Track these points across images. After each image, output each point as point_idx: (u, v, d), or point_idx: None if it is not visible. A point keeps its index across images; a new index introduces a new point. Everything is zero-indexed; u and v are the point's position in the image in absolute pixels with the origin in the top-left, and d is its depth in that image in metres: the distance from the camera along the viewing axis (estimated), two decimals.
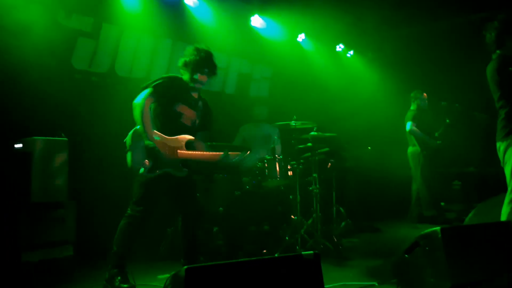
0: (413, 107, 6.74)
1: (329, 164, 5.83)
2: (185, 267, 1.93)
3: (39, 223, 3.83)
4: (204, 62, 3.70)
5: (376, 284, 3.52)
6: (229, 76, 6.99)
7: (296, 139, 5.23)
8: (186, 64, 3.66)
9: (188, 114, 3.67)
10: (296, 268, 2.21)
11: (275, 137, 5.74)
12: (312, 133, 4.94)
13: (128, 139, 3.44)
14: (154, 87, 3.50)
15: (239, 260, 2.12)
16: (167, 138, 3.48)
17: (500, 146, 3.77)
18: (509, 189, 3.69)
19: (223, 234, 4.75)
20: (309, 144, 4.99)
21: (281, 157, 5.11)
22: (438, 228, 2.94)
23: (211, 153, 3.57)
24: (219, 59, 6.65)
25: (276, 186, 5.11)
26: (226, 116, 6.24)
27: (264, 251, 4.57)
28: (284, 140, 5.92)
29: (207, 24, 6.11)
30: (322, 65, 7.89)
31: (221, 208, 4.84)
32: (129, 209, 3.53)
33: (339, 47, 8.31)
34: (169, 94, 3.56)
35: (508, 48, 3.79)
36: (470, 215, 5.43)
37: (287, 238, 4.67)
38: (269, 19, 6.85)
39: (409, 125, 6.52)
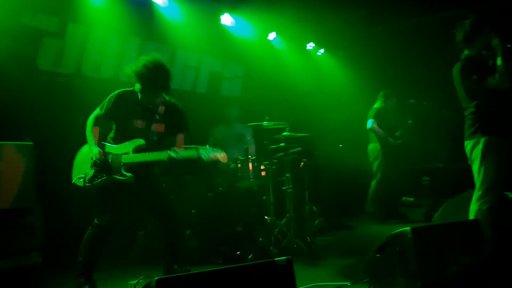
0: (377, 105, 6.74)
1: (302, 163, 5.86)
2: (156, 278, 1.90)
3: (6, 230, 3.71)
4: (154, 79, 3.52)
5: (349, 284, 3.56)
6: (200, 75, 6.92)
7: (269, 140, 5.22)
8: (136, 75, 3.51)
9: (139, 125, 3.62)
10: (269, 274, 2.20)
11: (248, 138, 5.72)
12: (285, 133, 4.95)
13: None
14: (102, 109, 3.59)
15: (211, 269, 2.10)
16: (112, 146, 3.56)
17: (467, 144, 3.85)
18: (476, 186, 3.78)
19: (196, 236, 4.72)
20: (282, 144, 5.00)
21: (254, 157, 5.11)
22: (408, 228, 2.99)
23: (155, 153, 3.52)
24: (190, 58, 6.66)
25: (249, 186, 5.10)
26: (198, 116, 6.17)
27: (238, 252, 4.55)
28: (257, 140, 5.92)
29: (177, 23, 6.02)
30: (294, 63, 7.90)
31: (193, 211, 4.80)
32: (95, 219, 3.52)
33: (310, 46, 8.34)
34: (119, 113, 3.57)
35: (476, 48, 3.83)
36: (439, 211, 5.56)
37: (260, 239, 4.67)
38: (239, 17, 6.81)
39: (370, 123, 6.52)
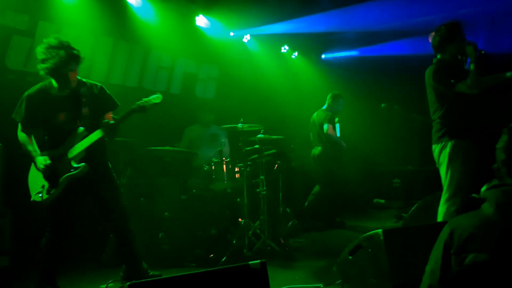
0: (327, 107, 6.50)
1: (276, 165, 5.88)
2: (127, 283, 1.87)
3: None
4: (67, 59, 3.29)
5: (322, 286, 3.59)
6: (174, 76, 6.88)
7: (244, 142, 5.22)
8: (46, 67, 3.27)
9: (65, 117, 3.43)
10: (243, 278, 2.20)
11: (223, 140, 5.71)
12: (259, 135, 4.96)
13: None
14: (20, 121, 3.42)
15: (184, 273, 2.08)
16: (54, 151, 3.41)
17: (435, 148, 3.94)
18: (444, 188, 3.87)
19: (169, 239, 4.67)
20: (256, 146, 5.01)
21: (228, 159, 5.10)
22: (380, 230, 3.03)
23: (94, 133, 3.39)
24: (164, 59, 6.60)
25: (223, 189, 5.09)
26: (171, 117, 6.14)
27: (211, 255, 4.53)
28: (232, 142, 5.91)
29: (151, 23, 5.96)
30: (268, 66, 7.93)
31: (166, 213, 4.76)
32: (50, 225, 3.48)
33: (284, 49, 8.38)
34: (37, 113, 3.39)
35: (448, 54, 3.91)
36: (409, 213, 5.67)
37: (234, 241, 4.66)
38: (214, 19, 6.79)
39: (326, 127, 6.25)
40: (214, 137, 5.81)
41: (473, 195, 4.28)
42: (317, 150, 6.45)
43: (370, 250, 3.08)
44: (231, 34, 7.28)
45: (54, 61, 3.22)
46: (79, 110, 3.41)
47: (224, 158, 5.04)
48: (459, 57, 3.91)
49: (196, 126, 5.90)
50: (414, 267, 3.03)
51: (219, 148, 5.07)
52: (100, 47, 5.72)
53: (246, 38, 7.50)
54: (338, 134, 6.52)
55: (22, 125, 3.44)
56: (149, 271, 3.79)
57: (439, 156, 3.90)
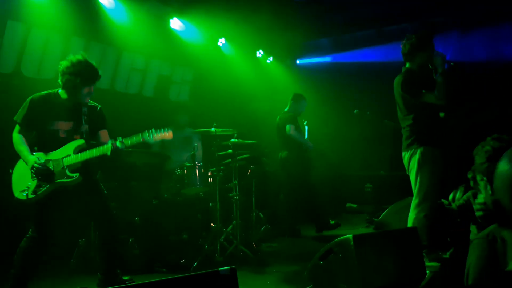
0: (289, 108, 6.39)
1: (249, 170, 5.87)
2: None
3: None
4: (82, 83, 3.49)
5: None
6: (148, 78, 6.79)
7: (217, 146, 5.19)
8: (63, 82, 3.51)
9: (63, 127, 3.51)
10: (213, 285, 2.17)
11: (196, 144, 5.66)
12: (233, 139, 4.94)
13: None
14: (19, 122, 3.46)
15: (154, 279, 2.04)
16: (51, 153, 3.45)
17: (405, 155, 4.02)
18: (414, 194, 3.94)
19: (140, 244, 4.59)
20: (230, 150, 4.99)
21: (201, 163, 5.06)
22: (350, 235, 3.05)
23: (98, 148, 3.46)
24: (137, 61, 6.52)
25: (196, 193, 5.04)
26: (144, 119, 6.04)
27: (183, 260, 4.48)
28: (205, 146, 5.87)
29: (124, 24, 5.88)
30: (243, 70, 7.92)
31: (137, 218, 4.68)
32: (30, 230, 3.40)
33: (259, 53, 8.40)
34: (38, 117, 3.45)
35: (417, 63, 3.99)
36: (380, 217, 5.74)
37: (206, 246, 4.62)
38: (188, 22, 6.75)
39: (288, 128, 6.11)
40: (187, 140, 5.77)
41: (442, 200, 4.40)
42: (283, 154, 6.31)
43: (340, 255, 3.10)
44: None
45: (69, 84, 3.45)
46: (80, 125, 3.54)
47: (197, 162, 5.00)
48: (429, 66, 4.00)
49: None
50: (384, 272, 3.08)
51: (192, 152, 5.03)
52: (71, 48, 5.59)
53: (221, 41, 7.47)
54: (306, 137, 6.48)
55: (20, 126, 3.48)
56: (120, 276, 3.74)
57: (409, 162, 3.98)
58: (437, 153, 3.87)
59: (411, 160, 3.93)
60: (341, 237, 3.10)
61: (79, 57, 3.47)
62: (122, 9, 5.82)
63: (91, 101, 3.72)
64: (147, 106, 6.53)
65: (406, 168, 4.01)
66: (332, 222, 6.18)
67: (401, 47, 4.10)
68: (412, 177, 3.93)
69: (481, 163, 1.93)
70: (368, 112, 6.22)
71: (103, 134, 3.68)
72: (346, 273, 3.03)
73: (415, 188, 3.90)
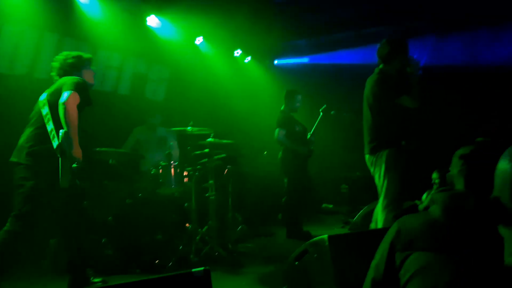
0: (284, 107, 6.10)
1: (226, 170, 5.83)
2: None
3: None
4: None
5: None
6: (123, 76, 6.69)
7: (193, 145, 5.14)
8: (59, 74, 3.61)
9: None
10: (186, 286, 2.13)
11: (171, 143, 5.59)
12: (209, 139, 4.89)
13: None
14: (75, 89, 3.35)
15: (126, 281, 1.99)
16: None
17: (370, 157, 4.07)
18: (381, 196, 4.01)
19: (113, 244, 4.51)
20: (206, 150, 4.94)
21: (177, 163, 5.00)
22: (325, 236, 3.05)
23: None
24: (112, 58, 6.40)
25: (171, 193, 4.98)
26: (119, 118, 5.96)
27: (157, 261, 4.41)
28: (181, 145, 5.81)
29: (99, 21, 5.77)
30: (221, 69, 7.88)
31: (110, 217, 4.59)
32: (8, 223, 3.26)
33: (237, 53, 8.37)
34: (85, 97, 3.44)
35: (392, 66, 4.04)
36: (355, 218, 5.80)
37: (181, 247, 4.56)
38: (165, 20, 6.67)
39: (276, 132, 5.88)
40: (163, 140, 5.69)
41: (416, 201, 4.46)
42: (279, 154, 6.12)
43: (315, 255, 3.10)
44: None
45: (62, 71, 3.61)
46: None
47: (172, 162, 4.94)
48: (407, 70, 4.04)
49: (144, 128, 5.75)
50: (360, 272, 3.08)
51: (168, 151, 4.96)
52: (44, 44, 5.47)
53: (199, 40, 7.41)
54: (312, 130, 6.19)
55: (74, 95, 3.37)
56: (92, 278, 3.66)
57: (374, 165, 4.04)
58: (402, 154, 3.94)
59: (377, 163, 3.99)
60: (317, 237, 3.09)
61: (69, 57, 3.65)
62: (97, 4, 5.71)
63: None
64: (123, 104, 6.42)
65: (371, 170, 4.08)
66: (304, 230, 6.06)
67: (377, 49, 4.15)
68: (379, 179, 4.00)
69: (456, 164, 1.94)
70: (344, 113, 6.26)
71: None
72: (321, 274, 3.03)
73: (382, 190, 3.96)
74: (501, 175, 1.07)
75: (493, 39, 6.73)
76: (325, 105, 6.11)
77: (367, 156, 4.11)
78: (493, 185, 1.20)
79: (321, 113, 6.17)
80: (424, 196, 5.02)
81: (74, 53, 3.71)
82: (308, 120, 6.45)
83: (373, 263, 1.84)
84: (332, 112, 6.18)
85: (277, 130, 5.89)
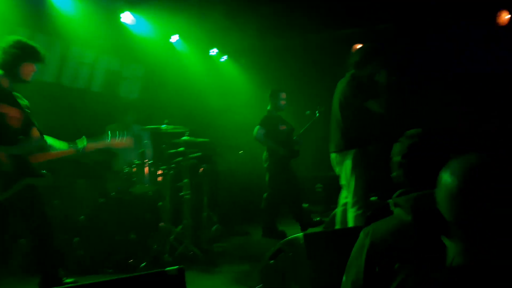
0: (270, 107, 6.08)
1: (201, 168, 5.79)
2: None
3: None
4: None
5: None
6: (96, 73, 6.55)
7: (168, 143, 5.08)
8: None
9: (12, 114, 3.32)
10: (160, 285, 2.09)
11: (146, 141, 5.51)
12: (184, 137, 4.85)
13: None
14: None
15: (98, 280, 1.95)
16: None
17: (336, 156, 4.25)
18: (350, 195, 4.16)
19: (85, 244, 4.42)
20: (181, 148, 4.89)
21: (151, 161, 4.93)
22: (301, 234, 3.05)
23: (66, 150, 3.30)
24: (85, 55, 6.27)
25: (145, 192, 4.91)
26: (92, 116, 5.84)
27: (130, 261, 4.34)
28: (155, 144, 5.73)
29: (72, 16, 5.64)
30: (196, 68, 7.82)
31: (82, 217, 4.50)
32: None
33: (213, 52, 8.32)
34: None
35: (363, 72, 4.20)
36: (329, 217, 5.83)
37: (155, 246, 4.50)
38: (141, 17, 6.57)
39: (255, 130, 5.89)
40: (136, 138, 5.58)
41: (389, 201, 4.58)
42: (263, 155, 6.10)
43: (291, 254, 3.09)
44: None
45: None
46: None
47: (146, 160, 4.87)
48: (376, 77, 4.21)
49: (117, 125, 5.64)
50: (335, 270, 3.09)
51: (142, 150, 4.89)
52: None
53: (174, 38, 7.34)
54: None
55: None
56: (63, 278, 3.57)
57: (341, 164, 4.22)
58: (368, 153, 4.16)
59: (344, 162, 4.16)
60: (292, 236, 3.10)
61: (9, 39, 3.35)
62: (69, 0, 5.58)
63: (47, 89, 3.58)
64: (96, 101, 6.28)
65: (337, 169, 4.22)
66: (279, 229, 6.04)
67: (351, 55, 4.34)
68: (346, 178, 4.17)
69: (397, 162, 1.95)
70: (317, 114, 6.30)
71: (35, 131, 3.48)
72: (296, 272, 3.03)
73: (350, 188, 4.13)
74: (444, 188, 1.08)
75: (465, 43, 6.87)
76: (323, 108, 6.07)
77: (333, 155, 4.30)
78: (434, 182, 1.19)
79: (317, 114, 6.25)
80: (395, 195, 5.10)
81: (22, 42, 3.42)
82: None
83: (349, 279, 1.77)
84: (307, 112, 6.23)
85: (256, 127, 5.89)
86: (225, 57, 8.61)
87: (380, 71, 4.14)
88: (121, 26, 6.42)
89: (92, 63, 6.45)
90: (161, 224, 4.84)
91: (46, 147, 3.43)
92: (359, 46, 4.44)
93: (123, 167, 4.84)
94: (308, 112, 6.31)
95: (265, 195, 6.11)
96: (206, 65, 8.12)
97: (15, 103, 3.34)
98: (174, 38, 7.34)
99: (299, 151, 6.17)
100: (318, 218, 6.31)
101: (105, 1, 6.05)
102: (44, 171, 3.29)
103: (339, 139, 4.23)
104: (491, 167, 1.04)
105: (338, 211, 4.51)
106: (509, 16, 6.42)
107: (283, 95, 6.06)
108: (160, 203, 4.94)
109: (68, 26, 5.63)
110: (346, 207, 4.31)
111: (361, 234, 1.73)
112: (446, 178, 1.09)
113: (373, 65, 4.17)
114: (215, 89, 7.98)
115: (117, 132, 3.47)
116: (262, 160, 6.16)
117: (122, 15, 6.34)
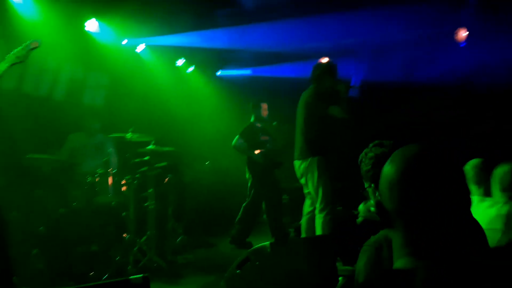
0: (253, 118, 6.24)
1: (167, 179, 5.70)
2: None
3: None
4: None
5: None
6: (59, 81, 6.38)
7: (132, 153, 5.00)
8: None
9: None
10: None
11: (110, 150, 5.39)
12: (150, 146, 4.77)
13: None
14: None
15: None
16: None
17: (300, 164, 4.41)
18: (318, 201, 4.30)
19: (45, 256, 4.25)
20: (146, 158, 4.81)
21: (115, 171, 4.82)
22: (267, 243, 3.05)
23: None
24: (48, 62, 6.10)
25: (108, 202, 4.79)
26: (54, 124, 5.68)
27: (92, 273, 4.21)
28: (120, 153, 5.61)
29: (34, 22, 5.50)
30: (163, 78, 7.75)
31: (42, 228, 4.34)
32: None
33: (180, 62, 8.28)
34: None
35: (322, 85, 4.53)
36: (296, 227, 5.85)
37: (118, 258, 4.39)
38: (106, 25, 6.47)
39: (234, 140, 6.01)
40: (100, 147, 5.45)
41: (354, 211, 4.64)
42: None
43: (258, 263, 3.08)
44: (124, 42, 6.97)
45: None
46: None
47: (110, 169, 4.76)
48: (337, 87, 4.56)
49: (80, 134, 5.50)
50: (302, 278, 3.10)
51: (105, 158, 4.78)
52: None
53: (141, 47, 7.26)
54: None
55: None
56: None
57: (305, 171, 4.42)
58: (330, 160, 4.42)
59: (308, 169, 4.39)
60: (259, 245, 3.09)
61: None
62: (32, 5, 5.44)
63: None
64: (58, 110, 6.11)
65: (302, 176, 4.39)
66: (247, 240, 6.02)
67: (312, 70, 4.66)
68: (311, 184, 4.37)
69: (366, 171, 2.00)
70: (286, 124, 6.35)
71: None
72: (263, 281, 3.01)
73: (316, 195, 4.35)
74: (385, 178, 1.10)
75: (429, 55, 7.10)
76: (275, 122, 6.37)
77: (297, 163, 4.50)
78: None
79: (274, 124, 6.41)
80: (361, 206, 5.16)
81: None
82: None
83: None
84: (274, 123, 6.30)
85: (236, 137, 6.02)
86: (192, 68, 8.58)
87: (338, 83, 4.50)
88: (86, 35, 6.30)
89: (55, 71, 6.29)
90: (125, 235, 4.72)
91: None
92: (321, 60, 4.81)
93: (86, 177, 4.70)
94: (275, 123, 6.37)
95: (244, 204, 6.14)
96: (173, 75, 8.07)
97: None
98: (141, 47, 7.26)
99: (282, 162, 6.17)
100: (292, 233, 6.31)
101: (69, 8, 5.93)
102: None
103: (303, 146, 4.45)
104: (428, 153, 1.07)
105: (303, 220, 4.59)
106: (467, 33, 6.72)
107: (265, 106, 6.25)
108: (124, 214, 4.82)
109: (30, 32, 5.48)
110: (311, 216, 4.42)
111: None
112: (386, 167, 1.11)
113: (330, 78, 4.51)
114: (181, 99, 7.93)
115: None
116: (230, 171, 6.24)
117: (87, 22, 6.23)
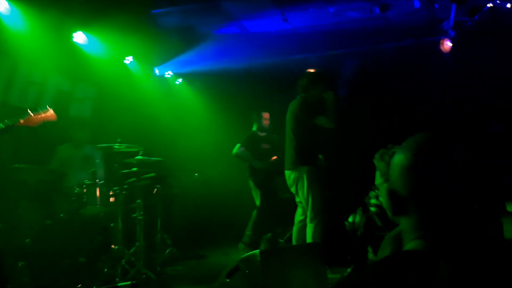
0: (256, 127, 6.42)
1: (155, 190, 5.67)
2: None
3: None
4: None
5: None
6: (46, 93, 6.33)
7: (120, 163, 4.97)
8: None
9: None
10: None
11: (97, 160, 5.35)
12: (138, 157, 4.76)
13: None
14: None
15: None
16: None
17: (291, 174, 4.50)
18: (308, 210, 4.33)
19: (31, 269, 4.18)
20: (134, 168, 4.79)
21: (102, 182, 4.79)
22: (257, 251, 3.05)
23: None
24: (34, 73, 6.07)
25: (96, 213, 4.75)
26: (40, 136, 5.62)
27: (79, 285, 4.15)
28: (107, 163, 5.57)
29: (21, 33, 5.47)
30: (151, 89, 7.75)
31: (28, 239, 4.27)
32: None
33: (168, 74, 8.29)
34: None
35: (310, 95, 4.58)
36: (285, 237, 5.85)
37: (105, 270, 4.34)
38: (94, 37, 6.47)
39: (235, 148, 6.16)
40: (88, 158, 5.42)
41: (345, 222, 4.69)
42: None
43: (247, 271, 3.07)
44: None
45: None
46: None
47: (97, 180, 4.72)
48: (326, 95, 4.58)
49: (68, 146, 5.46)
50: (291, 286, 3.10)
51: (93, 169, 4.75)
52: None
53: (128, 59, 7.25)
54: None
55: None
56: None
57: (296, 181, 4.45)
58: (320, 170, 4.48)
59: (299, 179, 4.42)
60: (248, 253, 3.09)
61: None
62: (19, 16, 5.42)
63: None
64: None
65: (293, 185, 4.44)
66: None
67: (299, 80, 4.72)
68: (302, 194, 4.41)
69: (384, 172, 2.04)
70: (274, 135, 6.38)
71: None
72: None
73: (307, 204, 4.37)
74: (397, 164, 1.13)
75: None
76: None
77: (287, 172, 4.53)
78: None
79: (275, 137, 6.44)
80: (351, 218, 5.17)
81: None
82: (231, 139, 6.52)
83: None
84: (275, 136, 6.37)
85: (237, 146, 6.15)
86: (180, 80, 8.59)
87: (325, 93, 4.54)
88: (74, 46, 6.28)
89: (42, 83, 6.25)
90: (113, 246, 4.67)
91: None
92: (308, 70, 4.84)
93: (73, 188, 4.66)
94: (275, 136, 6.41)
95: (254, 212, 6.32)
96: (161, 86, 8.07)
97: None
98: (128, 59, 7.26)
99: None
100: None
101: (56, 20, 5.91)
102: None
103: (293, 156, 4.47)
104: (440, 138, 1.10)
105: (295, 228, 4.60)
106: (451, 44, 6.82)
107: (266, 115, 6.42)
108: (112, 225, 4.78)
109: (16, 43, 5.46)
110: (302, 224, 4.44)
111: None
112: (398, 155, 1.13)
113: (318, 88, 4.57)
114: (169, 111, 7.91)
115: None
116: (219, 183, 6.29)
117: (74, 34, 6.22)
